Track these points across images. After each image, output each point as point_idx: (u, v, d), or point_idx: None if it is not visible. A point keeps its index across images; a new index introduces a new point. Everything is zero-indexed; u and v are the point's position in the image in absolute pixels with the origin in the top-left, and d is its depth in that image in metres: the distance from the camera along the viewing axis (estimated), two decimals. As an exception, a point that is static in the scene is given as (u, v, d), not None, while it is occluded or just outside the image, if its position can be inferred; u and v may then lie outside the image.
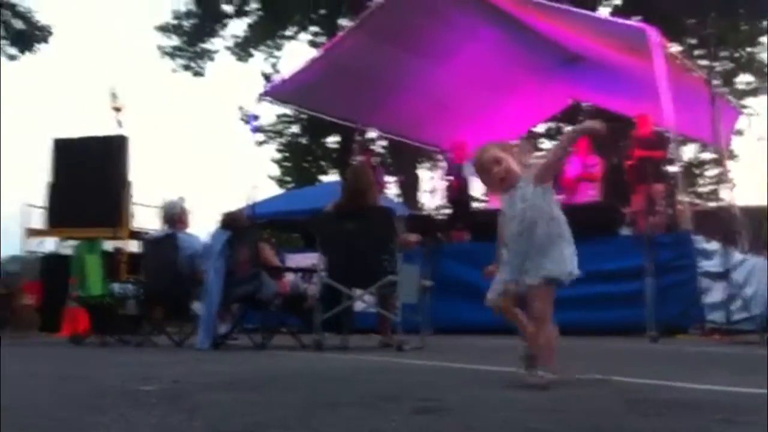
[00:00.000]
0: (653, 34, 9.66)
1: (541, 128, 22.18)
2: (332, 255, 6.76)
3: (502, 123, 14.52)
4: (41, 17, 24.17)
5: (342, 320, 6.91)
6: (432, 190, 14.54)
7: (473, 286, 9.47)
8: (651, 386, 3.33)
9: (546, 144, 25.11)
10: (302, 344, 6.80)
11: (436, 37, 12.25)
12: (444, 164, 13.86)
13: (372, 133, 13.32)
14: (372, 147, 13.11)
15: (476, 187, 12.44)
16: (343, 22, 21.86)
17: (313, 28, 24.52)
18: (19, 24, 23.94)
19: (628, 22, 12.02)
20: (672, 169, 11.06)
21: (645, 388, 3.23)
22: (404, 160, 20.39)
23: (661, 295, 7.99)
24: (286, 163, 26.24)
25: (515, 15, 11.67)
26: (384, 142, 17.15)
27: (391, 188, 20.34)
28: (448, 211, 12.82)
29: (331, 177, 23.78)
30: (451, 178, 12.54)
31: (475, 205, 13.73)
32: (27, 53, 24.15)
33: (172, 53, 24.10)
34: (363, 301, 7.15)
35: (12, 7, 23.88)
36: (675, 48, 12.53)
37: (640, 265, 8.21)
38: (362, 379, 3.94)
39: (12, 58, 24.21)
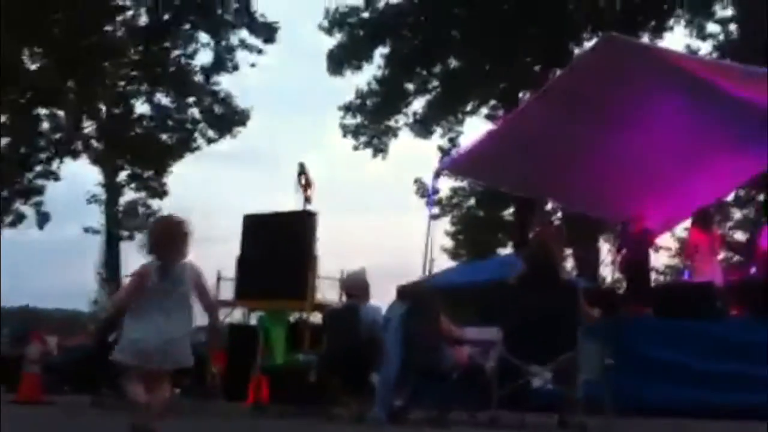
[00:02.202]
0: None
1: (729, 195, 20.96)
2: (511, 328, 6.64)
3: (688, 192, 13.83)
4: (240, 102, 26.10)
5: (520, 397, 6.74)
6: (612, 262, 14.06)
7: (658, 364, 9.05)
8: None
9: (737, 213, 23.72)
10: (477, 421, 6.68)
11: (618, 106, 11.92)
12: (620, 236, 13.41)
13: (550, 205, 13.12)
14: (550, 219, 12.92)
15: (659, 259, 11.92)
16: (523, 94, 22.01)
17: (492, 102, 24.79)
18: (219, 109, 25.91)
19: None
20: None
21: None
22: (583, 232, 19.87)
23: None
24: (460, 236, 26.38)
25: (707, 79, 11.20)
26: (561, 214, 16.90)
27: (569, 261, 19.89)
28: (624, 285, 12.34)
29: (507, 250, 23.63)
30: (624, 250, 12.13)
31: (655, 277, 13.14)
32: (226, 136, 26.06)
33: (355, 131, 25.05)
34: (542, 378, 6.95)
35: (213, 94, 25.93)
36: None
37: None
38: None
39: (211, 141, 26.20)
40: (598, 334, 7.48)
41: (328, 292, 10.91)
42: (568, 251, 19.20)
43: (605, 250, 19.69)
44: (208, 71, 26.08)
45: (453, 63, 24.59)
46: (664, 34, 22.50)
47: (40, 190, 25.39)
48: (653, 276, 13.44)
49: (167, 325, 4.10)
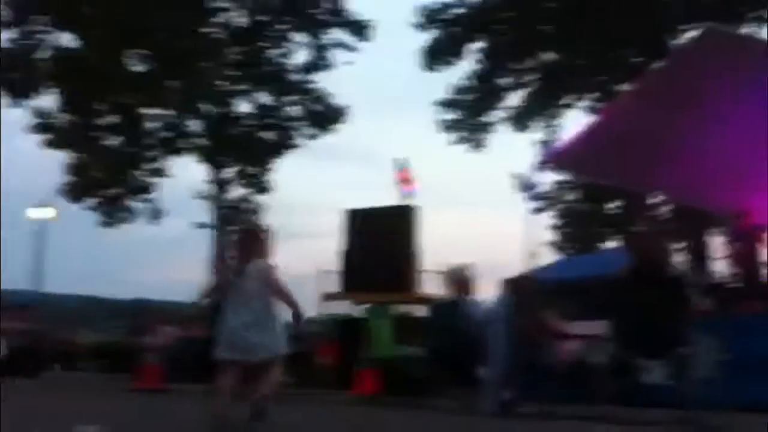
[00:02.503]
0: None
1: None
2: (621, 323, 6.56)
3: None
4: (338, 100, 26.44)
5: (631, 392, 6.66)
6: (723, 256, 13.65)
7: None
8: None
9: None
10: (588, 416, 6.64)
11: (719, 98, 11.57)
12: (731, 230, 12.99)
13: (656, 199, 12.82)
14: (656, 213, 12.64)
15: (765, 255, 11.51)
16: (621, 87, 21.54)
17: (590, 94, 24.34)
18: (317, 107, 26.34)
19: None
20: None
21: None
22: (691, 226, 19.32)
23: None
24: (562, 230, 26.02)
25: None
26: (668, 207, 16.49)
27: (680, 254, 19.37)
28: (738, 280, 11.96)
29: (613, 243, 23.17)
30: (736, 245, 11.77)
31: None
32: (325, 133, 26.45)
33: (453, 126, 25.03)
34: (653, 373, 6.84)
35: (312, 93, 26.39)
36: None
37: None
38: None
39: (312, 137, 26.67)
40: (712, 329, 7.32)
41: (430, 285, 11.03)
42: (679, 244, 18.71)
43: (717, 243, 19.10)
44: (306, 70, 26.51)
45: (548, 57, 24.28)
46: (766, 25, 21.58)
47: (150, 188, 26.41)
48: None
49: (245, 320, 4.56)
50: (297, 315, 4.97)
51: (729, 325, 8.60)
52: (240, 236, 4.92)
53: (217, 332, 4.66)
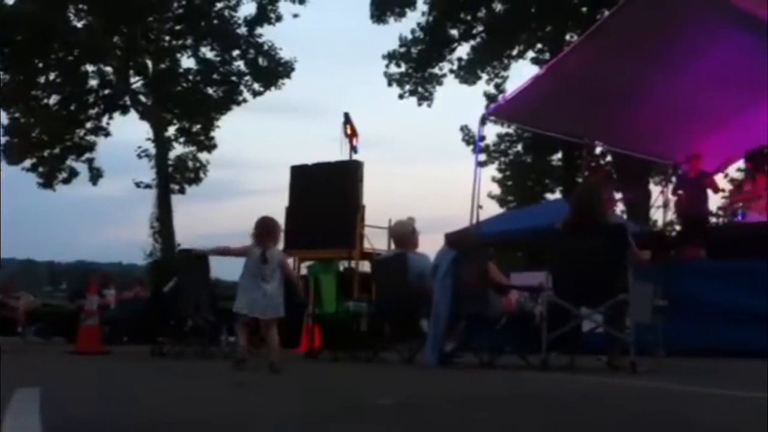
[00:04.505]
0: None
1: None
2: (560, 273, 6.62)
3: (743, 132, 13.46)
4: (284, 54, 25.98)
5: (569, 340, 6.74)
6: (664, 205, 13.85)
7: (710, 305, 8.93)
8: None
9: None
10: (528, 364, 6.72)
11: (669, 43, 11.58)
12: (674, 178, 13.18)
13: (599, 149, 12.91)
14: (600, 163, 12.75)
15: (712, 201, 11.69)
16: (570, 37, 21.55)
17: (539, 45, 24.34)
18: (263, 61, 25.85)
19: None
20: None
21: None
22: (633, 175, 19.57)
23: None
24: (507, 182, 26.20)
25: (761, 15, 10.78)
26: (611, 157, 16.64)
27: (619, 204, 19.65)
28: (680, 227, 12.18)
29: (555, 195, 23.47)
30: (681, 192, 11.94)
31: (712, 220, 12.91)
32: (272, 88, 26.01)
33: (400, 80, 24.85)
34: (592, 321, 6.93)
35: (258, 46, 25.86)
36: None
37: None
38: (591, 402, 3.82)
39: (257, 93, 26.19)
40: (650, 277, 7.40)
41: (376, 241, 10.99)
42: (619, 195, 18.96)
43: (656, 192, 19.38)
44: (252, 23, 25.96)
45: (498, 7, 24.15)
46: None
47: (91, 147, 25.83)
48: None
49: (266, 290, 6.19)
50: (297, 289, 7.04)
51: (668, 272, 8.73)
52: (260, 225, 6.40)
53: (244, 294, 6.27)
